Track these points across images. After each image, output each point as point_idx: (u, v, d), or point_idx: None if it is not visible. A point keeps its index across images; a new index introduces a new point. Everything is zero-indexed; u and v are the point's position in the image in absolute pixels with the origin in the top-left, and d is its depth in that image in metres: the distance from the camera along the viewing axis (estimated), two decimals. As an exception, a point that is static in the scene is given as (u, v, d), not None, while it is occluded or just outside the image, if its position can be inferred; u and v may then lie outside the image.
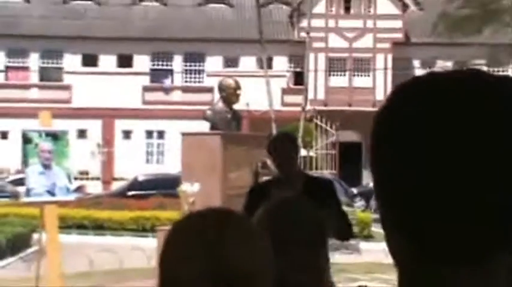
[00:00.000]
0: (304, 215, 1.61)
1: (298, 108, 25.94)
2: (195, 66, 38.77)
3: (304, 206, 1.65)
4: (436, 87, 0.77)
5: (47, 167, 7.23)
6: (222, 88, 8.63)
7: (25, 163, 7.33)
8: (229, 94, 8.51)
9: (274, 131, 18.09)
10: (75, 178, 32.44)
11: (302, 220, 1.59)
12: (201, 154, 8.75)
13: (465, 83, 0.77)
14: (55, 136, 7.39)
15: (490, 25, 22.65)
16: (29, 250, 14.79)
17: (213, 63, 38.01)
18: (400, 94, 0.79)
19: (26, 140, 7.20)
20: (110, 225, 17.86)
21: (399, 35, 37.22)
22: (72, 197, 7.66)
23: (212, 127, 8.81)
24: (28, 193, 7.28)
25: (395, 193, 0.76)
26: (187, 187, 7.98)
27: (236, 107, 8.84)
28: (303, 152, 31.55)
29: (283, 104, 35.28)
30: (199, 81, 38.36)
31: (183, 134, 9.49)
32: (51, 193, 7.20)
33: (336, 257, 6.85)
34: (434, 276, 0.75)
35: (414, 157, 0.75)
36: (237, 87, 8.45)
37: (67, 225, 17.13)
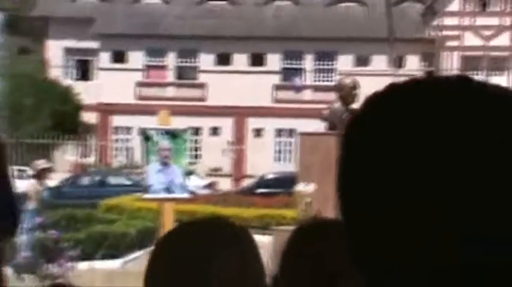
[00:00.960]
0: None
1: (429, 108, 25.45)
2: (326, 65, 38.75)
3: None
4: (419, 94, 0.72)
5: (165, 164, 7.49)
6: (339, 88, 8.63)
7: (145, 160, 7.61)
8: (346, 94, 8.49)
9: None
10: (208, 175, 33.26)
11: None
12: (318, 154, 8.75)
13: (450, 90, 0.72)
14: (174, 135, 7.64)
15: None
16: (157, 244, 15.28)
17: (344, 62, 37.85)
18: (377, 101, 0.75)
19: (146, 138, 7.48)
20: (235, 222, 18.16)
21: (539, 33, 35.65)
22: (187, 194, 7.88)
23: (330, 127, 8.81)
24: (147, 189, 7.56)
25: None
26: (303, 187, 8.03)
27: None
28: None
29: (415, 103, 34.62)
30: (330, 80, 38.30)
31: (301, 134, 9.51)
32: (169, 190, 7.45)
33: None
34: None
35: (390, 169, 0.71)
36: (354, 87, 8.42)
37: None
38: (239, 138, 38.29)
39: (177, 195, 7.56)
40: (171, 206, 7.73)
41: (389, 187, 0.71)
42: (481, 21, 36.01)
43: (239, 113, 37.74)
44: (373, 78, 30.05)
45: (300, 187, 8.22)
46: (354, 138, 0.75)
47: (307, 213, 8.50)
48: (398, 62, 34.38)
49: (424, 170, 0.70)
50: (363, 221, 0.73)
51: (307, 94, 38.58)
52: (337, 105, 8.74)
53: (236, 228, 1.31)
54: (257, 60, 38.75)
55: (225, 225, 1.29)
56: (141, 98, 38.66)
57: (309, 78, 38.98)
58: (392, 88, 0.76)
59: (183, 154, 7.70)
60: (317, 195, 8.59)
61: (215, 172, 35.59)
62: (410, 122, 0.71)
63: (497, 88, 0.73)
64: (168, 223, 7.67)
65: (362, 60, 37.58)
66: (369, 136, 0.74)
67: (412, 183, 0.70)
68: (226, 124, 38.20)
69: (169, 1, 40.55)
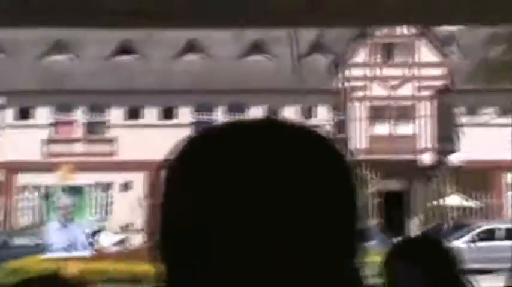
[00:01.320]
0: None
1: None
2: (238, 116, 38.93)
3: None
4: (228, 137, 0.78)
5: (66, 222, 7.15)
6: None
7: (45, 218, 7.26)
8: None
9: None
10: (119, 230, 32.52)
11: None
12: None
13: (258, 132, 0.78)
14: (76, 191, 7.33)
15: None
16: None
17: (256, 113, 38.11)
18: (195, 144, 0.80)
19: (46, 196, 7.14)
20: (147, 279, 17.74)
21: (442, 83, 36.93)
22: (89, 252, 7.54)
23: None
24: (48, 249, 7.20)
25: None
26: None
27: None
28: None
29: (326, 153, 35.10)
30: (241, 132, 38.47)
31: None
32: (70, 248, 7.11)
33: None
34: None
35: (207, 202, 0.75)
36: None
37: (106, 279, 17.02)
38: (151, 193, 37.73)
39: (79, 253, 7.22)
40: (76, 266, 7.37)
41: (202, 228, 0.76)
42: (386, 72, 37.05)
43: (151, 167, 37.27)
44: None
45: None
46: (168, 179, 0.82)
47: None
48: (309, 113, 34.85)
49: (228, 212, 0.75)
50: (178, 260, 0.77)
51: (219, 147, 38.62)
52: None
53: (73, 285, 1.15)
54: (168, 113, 38.57)
55: (62, 282, 1.13)
56: (49, 155, 37.74)
57: (220, 131, 39.07)
58: (201, 133, 0.82)
59: (87, 210, 7.38)
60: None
61: (127, 227, 34.89)
62: (218, 162, 0.77)
63: (305, 130, 0.81)
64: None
65: (273, 112, 37.93)
66: (178, 178, 0.80)
67: (223, 223, 0.75)
68: (138, 179, 37.65)
69: (77, 56, 40.07)
